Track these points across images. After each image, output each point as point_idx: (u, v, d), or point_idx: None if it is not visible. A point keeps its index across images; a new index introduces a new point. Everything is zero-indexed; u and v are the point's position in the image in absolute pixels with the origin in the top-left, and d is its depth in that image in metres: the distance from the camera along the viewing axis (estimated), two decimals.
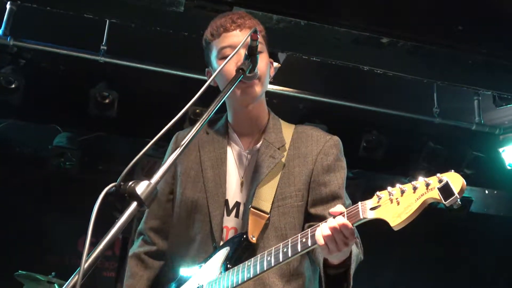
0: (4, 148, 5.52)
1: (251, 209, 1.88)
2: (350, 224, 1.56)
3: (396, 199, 1.59)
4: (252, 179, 1.95)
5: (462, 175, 1.50)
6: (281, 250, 1.66)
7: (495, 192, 6.79)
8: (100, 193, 1.18)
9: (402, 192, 1.59)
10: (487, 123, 5.05)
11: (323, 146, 1.99)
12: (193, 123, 1.41)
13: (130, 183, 1.23)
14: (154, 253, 2.08)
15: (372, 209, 1.60)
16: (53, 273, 4.15)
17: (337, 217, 1.58)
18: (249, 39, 1.68)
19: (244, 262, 1.76)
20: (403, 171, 6.30)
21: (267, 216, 1.88)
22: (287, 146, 2.00)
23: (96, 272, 5.54)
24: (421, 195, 1.58)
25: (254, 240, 1.86)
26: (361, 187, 5.95)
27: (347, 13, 3.43)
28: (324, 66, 4.08)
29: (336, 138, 2.06)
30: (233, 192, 1.97)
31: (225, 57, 1.87)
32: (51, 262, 5.27)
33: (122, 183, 1.24)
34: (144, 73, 4.58)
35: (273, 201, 1.90)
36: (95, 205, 1.17)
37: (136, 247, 2.05)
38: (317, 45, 3.70)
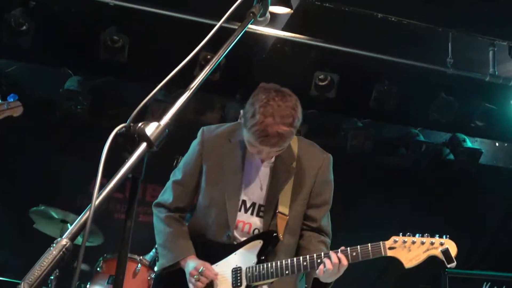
0: (15, 91, 5.53)
1: (278, 214, 2.43)
2: (346, 262, 2.32)
3: (409, 247, 2.41)
4: (271, 187, 2.46)
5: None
6: (302, 261, 2.34)
7: (505, 144, 6.77)
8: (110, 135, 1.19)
9: (413, 242, 2.41)
10: (502, 74, 4.97)
11: (322, 163, 2.54)
12: (203, 69, 1.40)
13: (140, 124, 1.24)
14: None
15: (390, 248, 2.43)
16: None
17: (339, 255, 2.32)
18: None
19: (277, 260, 2.38)
20: (413, 122, 6.28)
21: (287, 218, 2.44)
22: (295, 161, 2.48)
23: (108, 214, 5.66)
24: (427, 249, 2.37)
25: (282, 238, 2.42)
26: (370, 137, 5.95)
27: None
28: (337, 13, 4.00)
29: (329, 156, 2.60)
30: (252, 194, 2.48)
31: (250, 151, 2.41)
32: (63, 203, 5.37)
33: (132, 124, 1.25)
34: (155, 17, 4.53)
35: (290, 207, 2.45)
36: (105, 145, 1.19)
37: (166, 213, 2.64)
38: None
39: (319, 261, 2.29)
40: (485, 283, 5.28)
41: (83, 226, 1.10)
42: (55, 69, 5.53)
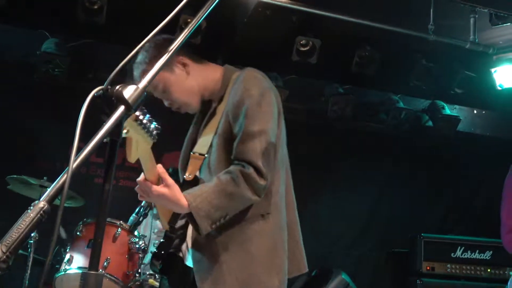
0: None
1: (192, 154, 2.26)
2: (139, 182, 2.01)
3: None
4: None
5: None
6: None
7: (483, 112, 6.86)
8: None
9: None
10: (482, 42, 4.99)
11: (236, 85, 2.22)
12: (183, 31, 1.39)
13: (118, 86, 1.23)
14: None
15: None
16: (44, 178, 4.22)
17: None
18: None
19: None
20: (394, 89, 6.32)
21: (203, 157, 2.22)
22: (225, 97, 2.25)
23: (88, 179, 5.64)
24: None
25: (189, 177, 2.24)
26: (351, 103, 5.98)
27: None
28: None
29: (245, 72, 2.24)
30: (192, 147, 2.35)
31: None
32: (41, 167, 5.33)
33: (109, 87, 1.24)
34: None
35: (209, 145, 2.21)
36: (82, 108, 1.17)
37: None
38: None
39: None
40: (459, 247, 5.43)
41: (60, 189, 1.09)
42: (31, 31, 5.39)
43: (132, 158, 1.67)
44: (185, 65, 2.32)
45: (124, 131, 1.44)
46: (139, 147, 1.63)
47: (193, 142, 2.36)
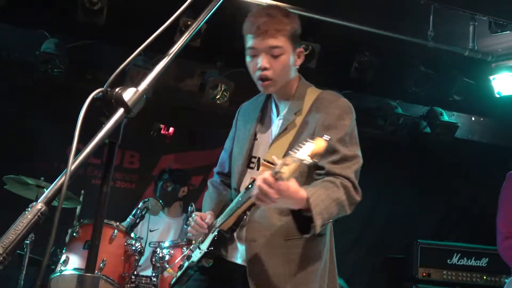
0: None
1: (262, 161, 2.22)
2: (271, 179, 1.85)
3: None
4: (273, 139, 2.34)
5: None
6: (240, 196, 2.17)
7: (481, 119, 6.87)
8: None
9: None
10: (481, 49, 5.01)
11: (330, 108, 2.28)
12: (183, 34, 1.39)
13: (117, 89, 1.23)
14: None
15: (286, 164, 1.84)
16: (42, 178, 4.21)
17: (264, 173, 1.89)
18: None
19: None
20: (392, 94, 6.33)
21: (275, 167, 2.10)
22: (304, 111, 2.31)
23: (85, 180, 5.63)
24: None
25: None
26: None
27: None
28: None
29: (343, 101, 2.33)
30: (259, 148, 2.39)
31: (249, 55, 2.33)
32: (39, 168, 5.33)
33: (109, 89, 1.24)
34: None
35: (284, 156, 2.15)
36: (82, 110, 1.18)
37: (213, 177, 2.73)
38: None
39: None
40: (455, 254, 5.44)
41: (58, 191, 1.09)
42: (31, 31, 5.39)
43: (287, 176, 1.80)
44: (300, 57, 2.38)
45: (314, 161, 1.78)
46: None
47: (253, 143, 2.40)
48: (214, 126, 6.11)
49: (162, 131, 5.99)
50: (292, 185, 1.92)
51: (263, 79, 2.27)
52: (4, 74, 5.34)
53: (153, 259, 3.97)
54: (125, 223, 4.10)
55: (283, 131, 2.30)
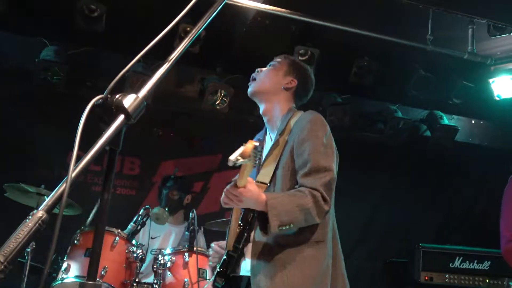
0: None
1: (255, 182, 2.36)
2: (228, 188, 2.20)
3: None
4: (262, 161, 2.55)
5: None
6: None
7: (481, 122, 6.87)
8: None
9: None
10: (480, 53, 5.01)
11: (303, 123, 2.47)
12: (182, 41, 1.39)
13: (117, 95, 1.23)
14: None
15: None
16: (42, 186, 4.20)
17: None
18: None
19: None
20: (392, 98, 6.33)
21: (265, 185, 2.44)
22: (287, 131, 2.52)
23: (85, 187, 5.62)
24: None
25: None
26: (349, 112, 5.98)
27: None
28: None
29: (314, 114, 2.53)
30: (259, 173, 2.54)
31: None
32: (39, 175, 5.32)
33: (109, 96, 1.24)
34: None
35: (272, 174, 2.45)
36: (82, 117, 1.17)
37: None
38: None
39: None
40: (457, 257, 5.42)
41: (59, 199, 1.09)
42: (30, 38, 5.40)
43: (243, 183, 2.14)
44: (291, 83, 2.68)
45: (246, 160, 1.97)
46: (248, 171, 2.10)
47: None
48: (214, 132, 6.11)
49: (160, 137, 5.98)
50: (253, 189, 2.20)
51: (253, 81, 2.69)
52: (4, 82, 5.34)
53: (155, 266, 3.96)
54: (126, 230, 4.09)
55: (270, 152, 2.52)
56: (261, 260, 2.35)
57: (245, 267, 2.44)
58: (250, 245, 2.43)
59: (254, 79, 2.69)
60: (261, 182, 2.47)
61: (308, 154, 2.36)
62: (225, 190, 2.21)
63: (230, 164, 1.98)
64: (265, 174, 2.48)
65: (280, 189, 2.41)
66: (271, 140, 2.63)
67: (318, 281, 2.32)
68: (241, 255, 2.47)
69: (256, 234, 2.41)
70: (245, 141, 2.05)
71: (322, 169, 2.34)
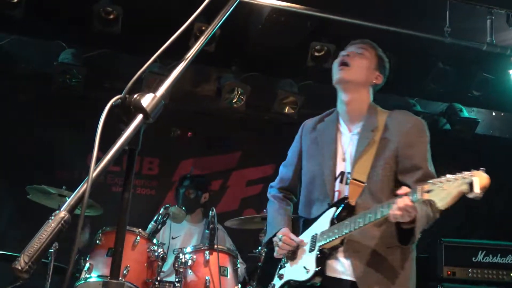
0: (8, 65, 5.50)
1: (352, 180, 2.48)
2: (411, 204, 2.13)
3: (443, 186, 2.20)
4: (353, 155, 2.53)
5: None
6: (367, 214, 2.29)
7: (502, 114, 6.77)
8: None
9: (447, 181, 2.23)
10: (499, 43, 4.93)
11: (408, 127, 2.51)
12: (198, 40, 1.40)
13: (136, 95, 1.23)
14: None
15: (427, 192, 2.15)
16: (63, 187, 4.25)
17: (403, 198, 2.15)
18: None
19: (344, 220, 2.41)
20: (410, 92, 6.27)
21: (363, 184, 2.47)
22: (380, 128, 2.52)
23: (105, 188, 5.67)
24: (459, 185, 2.24)
25: (353, 203, 2.47)
26: None
27: None
28: None
29: (420, 120, 2.58)
30: (341, 163, 2.57)
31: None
32: (60, 177, 5.39)
33: (127, 96, 1.24)
34: None
35: (369, 172, 2.46)
36: (101, 118, 1.18)
37: (272, 192, 2.91)
38: None
39: (382, 209, 2.26)
40: (480, 251, 5.35)
41: (80, 199, 1.10)
42: (48, 42, 5.46)
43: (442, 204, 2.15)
44: (378, 79, 2.73)
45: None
46: None
47: (335, 155, 2.60)
48: (232, 130, 6.12)
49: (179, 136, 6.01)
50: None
51: (343, 66, 2.63)
52: (23, 86, 5.42)
53: (176, 264, 3.98)
54: (147, 230, 4.12)
55: (365, 148, 2.50)
56: (369, 263, 2.41)
57: (346, 269, 2.46)
58: (344, 245, 2.46)
59: (347, 64, 2.62)
60: (358, 180, 2.48)
61: (419, 160, 2.47)
62: (404, 204, 2.15)
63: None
64: (361, 172, 2.49)
65: (380, 189, 2.46)
66: (349, 131, 2.62)
67: (412, 277, 2.62)
68: (332, 255, 2.49)
69: (352, 235, 2.41)
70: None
71: (433, 175, 2.43)
